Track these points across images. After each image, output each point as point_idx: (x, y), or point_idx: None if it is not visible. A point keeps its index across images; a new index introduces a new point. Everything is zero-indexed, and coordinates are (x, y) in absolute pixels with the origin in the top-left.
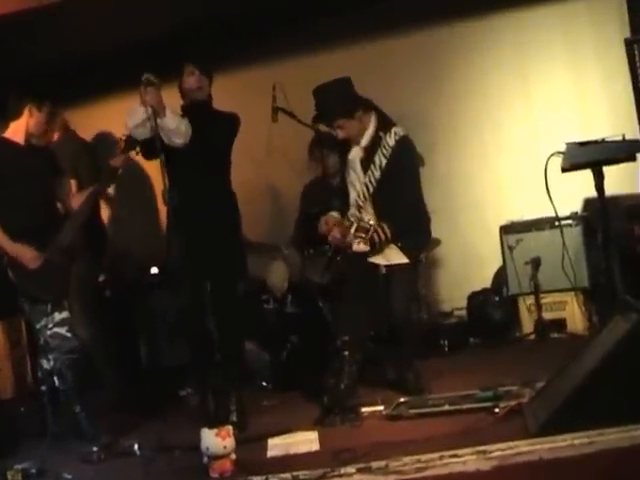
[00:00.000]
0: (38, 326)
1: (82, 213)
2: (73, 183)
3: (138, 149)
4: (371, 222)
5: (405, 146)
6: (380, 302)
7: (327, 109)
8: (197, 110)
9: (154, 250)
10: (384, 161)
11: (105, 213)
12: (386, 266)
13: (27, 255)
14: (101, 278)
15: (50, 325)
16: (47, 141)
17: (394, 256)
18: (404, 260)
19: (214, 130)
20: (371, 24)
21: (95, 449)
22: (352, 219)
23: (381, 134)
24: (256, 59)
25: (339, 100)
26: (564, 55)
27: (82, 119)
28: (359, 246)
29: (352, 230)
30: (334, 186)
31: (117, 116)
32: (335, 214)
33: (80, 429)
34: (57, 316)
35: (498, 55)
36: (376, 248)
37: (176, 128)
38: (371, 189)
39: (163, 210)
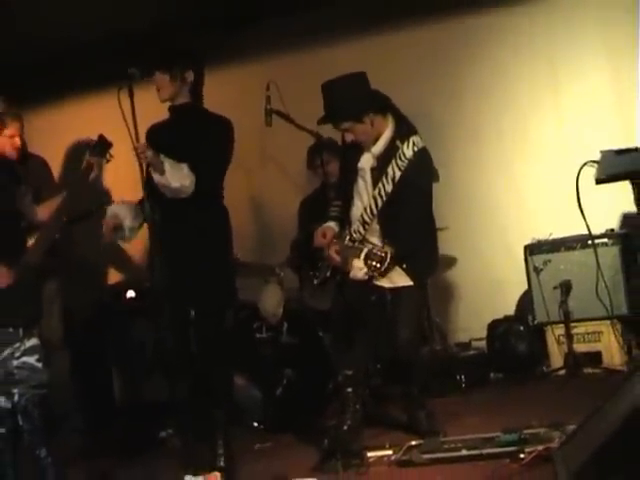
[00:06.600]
0: (2, 356)
1: (54, 226)
2: None
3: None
4: (385, 249)
5: (423, 160)
6: (387, 331)
7: (333, 109)
8: (178, 113)
9: (131, 271)
10: (398, 174)
11: None
12: (390, 289)
13: None
14: None
15: (18, 354)
16: (14, 147)
17: (398, 278)
18: (409, 282)
19: (200, 136)
20: (379, 14)
21: None
22: (355, 235)
23: (398, 142)
24: (247, 53)
25: (347, 99)
26: (600, 51)
27: (47, 123)
28: (358, 273)
29: (362, 256)
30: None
31: (90, 120)
32: (334, 225)
33: (45, 478)
34: (27, 343)
35: (525, 51)
36: (375, 277)
37: (180, 187)
38: (380, 204)
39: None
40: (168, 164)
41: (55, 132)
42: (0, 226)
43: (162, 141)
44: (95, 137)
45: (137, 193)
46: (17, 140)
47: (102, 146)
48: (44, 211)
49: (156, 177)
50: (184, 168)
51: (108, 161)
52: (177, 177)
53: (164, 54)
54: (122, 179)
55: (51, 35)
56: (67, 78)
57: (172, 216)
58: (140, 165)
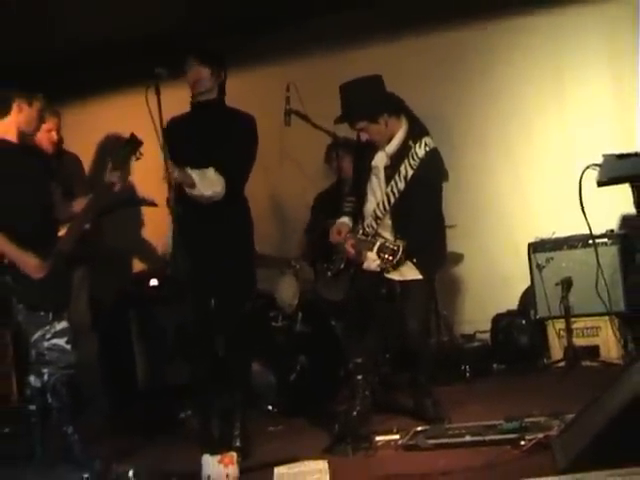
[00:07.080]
0: (33, 338)
1: (85, 218)
2: None
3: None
4: (398, 243)
5: (434, 160)
6: (396, 322)
7: (349, 109)
8: (204, 109)
9: (154, 260)
10: (410, 172)
11: None
12: (400, 282)
13: (31, 263)
14: None
15: (48, 336)
16: (51, 142)
17: (408, 272)
18: (419, 276)
19: (226, 134)
20: (395, 21)
21: (86, 476)
22: (368, 229)
23: (410, 143)
24: (267, 55)
25: (363, 101)
26: (603, 60)
27: (81, 118)
28: (371, 265)
29: (375, 249)
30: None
31: (120, 116)
32: (348, 221)
33: (71, 453)
34: (57, 326)
35: (531, 59)
36: (387, 269)
37: (213, 194)
38: (392, 200)
39: (162, 215)
40: (196, 175)
41: (81, 130)
42: (34, 219)
43: (185, 136)
44: (122, 134)
45: (163, 189)
46: (54, 134)
47: (133, 144)
48: (76, 207)
49: (189, 191)
50: (210, 172)
51: (138, 159)
52: (207, 185)
53: (208, 50)
54: (149, 174)
55: (76, 34)
56: (92, 76)
57: (196, 211)
58: (169, 183)
